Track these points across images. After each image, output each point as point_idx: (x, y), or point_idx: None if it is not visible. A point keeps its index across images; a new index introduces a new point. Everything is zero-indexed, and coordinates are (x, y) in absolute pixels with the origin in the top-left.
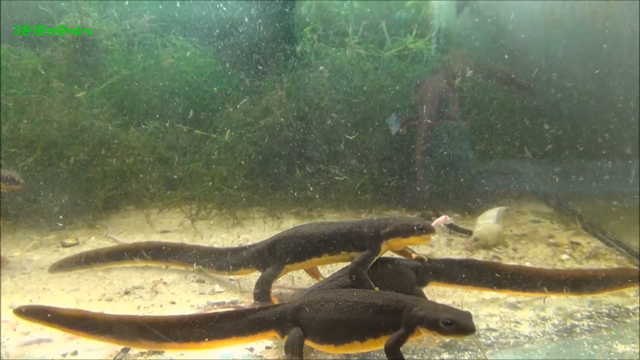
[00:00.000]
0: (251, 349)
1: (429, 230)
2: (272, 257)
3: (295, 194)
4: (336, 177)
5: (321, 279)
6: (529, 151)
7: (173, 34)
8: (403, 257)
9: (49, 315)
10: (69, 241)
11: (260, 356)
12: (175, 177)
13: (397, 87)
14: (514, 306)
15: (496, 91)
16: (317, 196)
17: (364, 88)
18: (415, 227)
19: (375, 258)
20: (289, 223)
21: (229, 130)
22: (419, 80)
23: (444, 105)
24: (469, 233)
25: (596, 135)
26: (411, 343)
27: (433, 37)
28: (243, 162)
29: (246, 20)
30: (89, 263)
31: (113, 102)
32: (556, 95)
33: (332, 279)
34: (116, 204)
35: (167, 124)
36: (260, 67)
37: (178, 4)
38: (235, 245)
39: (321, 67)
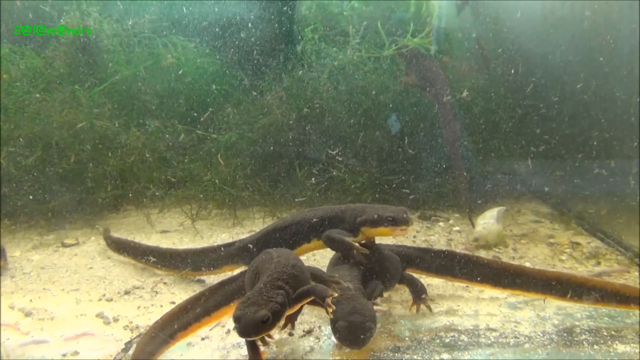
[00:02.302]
0: None
1: (401, 223)
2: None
3: (295, 193)
4: (337, 175)
5: None
6: (529, 151)
7: (173, 33)
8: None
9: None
10: (69, 241)
11: None
12: (175, 177)
13: (397, 87)
14: (514, 306)
15: (497, 92)
16: (317, 195)
17: (364, 87)
18: (386, 218)
19: (355, 240)
20: None
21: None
22: (410, 51)
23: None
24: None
25: (596, 135)
26: (411, 342)
27: (433, 35)
28: (243, 162)
29: (247, 20)
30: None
31: (113, 102)
32: (556, 95)
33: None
34: (116, 204)
35: (168, 124)
36: (261, 67)
37: (183, 7)
38: None
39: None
